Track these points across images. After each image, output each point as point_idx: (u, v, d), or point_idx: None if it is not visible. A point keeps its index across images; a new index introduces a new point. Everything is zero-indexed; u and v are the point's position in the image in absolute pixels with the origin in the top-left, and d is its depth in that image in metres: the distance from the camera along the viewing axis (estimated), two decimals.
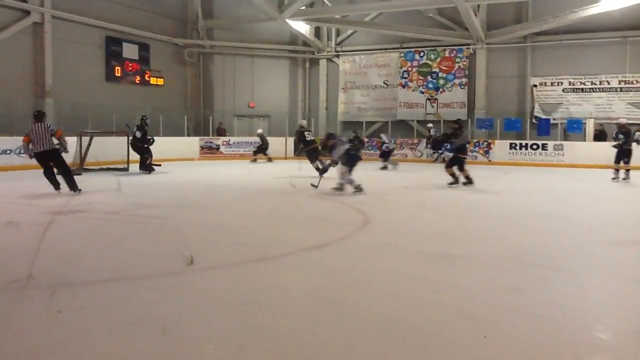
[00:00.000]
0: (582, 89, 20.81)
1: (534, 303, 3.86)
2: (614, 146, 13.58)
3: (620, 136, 13.42)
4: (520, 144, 20.27)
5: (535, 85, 21.51)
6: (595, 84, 20.61)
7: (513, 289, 4.18)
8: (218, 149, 22.13)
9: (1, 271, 4.61)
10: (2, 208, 8.02)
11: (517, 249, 5.65)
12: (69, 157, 15.81)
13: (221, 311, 3.62)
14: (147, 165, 14.45)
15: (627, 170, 13.43)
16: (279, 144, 22.93)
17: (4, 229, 6.51)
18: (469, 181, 11.75)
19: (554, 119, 20.91)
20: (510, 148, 20.35)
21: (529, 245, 5.88)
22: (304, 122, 16.63)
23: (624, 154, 13.33)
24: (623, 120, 14.62)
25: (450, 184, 11.76)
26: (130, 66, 21.41)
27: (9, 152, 15.14)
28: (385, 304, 3.83)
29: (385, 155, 17.94)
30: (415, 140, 22.08)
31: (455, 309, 3.69)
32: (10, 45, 17.35)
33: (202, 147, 21.85)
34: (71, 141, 16.11)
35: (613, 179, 13.45)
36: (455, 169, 11.86)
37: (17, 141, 15.45)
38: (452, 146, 11.96)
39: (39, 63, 18.18)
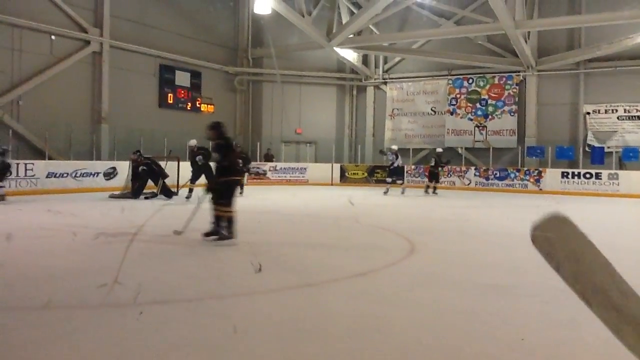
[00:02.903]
0: (638, 117, 20.16)
1: (590, 337, 3.69)
2: None
3: None
4: (573, 172, 19.69)
5: (589, 113, 20.97)
6: None
7: (567, 322, 4.01)
8: (265, 174, 22.39)
9: (46, 294, 4.75)
10: (56, 230, 8.31)
11: None
12: (121, 181, 16.38)
13: (266, 336, 3.61)
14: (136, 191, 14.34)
15: None
16: (325, 171, 23.04)
17: (58, 250, 6.73)
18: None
19: (608, 147, 20.29)
20: (562, 177, 19.79)
21: None
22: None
23: None
24: None
25: None
26: (183, 93, 22.07)
27: (65, 175, 15.71)
28: (432, 333, 3.75)
29: (391, 173, 16.42)
30: (464, 168, 21.77)
31: (506, 342, 3.57)
32: (70, 73, 18.18)
33: (249, 173, 22.12)
34: (124, 165, 16.67)
35: None
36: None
37: (74, 165, 16.10)
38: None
39: (96, 90, 18.97)
